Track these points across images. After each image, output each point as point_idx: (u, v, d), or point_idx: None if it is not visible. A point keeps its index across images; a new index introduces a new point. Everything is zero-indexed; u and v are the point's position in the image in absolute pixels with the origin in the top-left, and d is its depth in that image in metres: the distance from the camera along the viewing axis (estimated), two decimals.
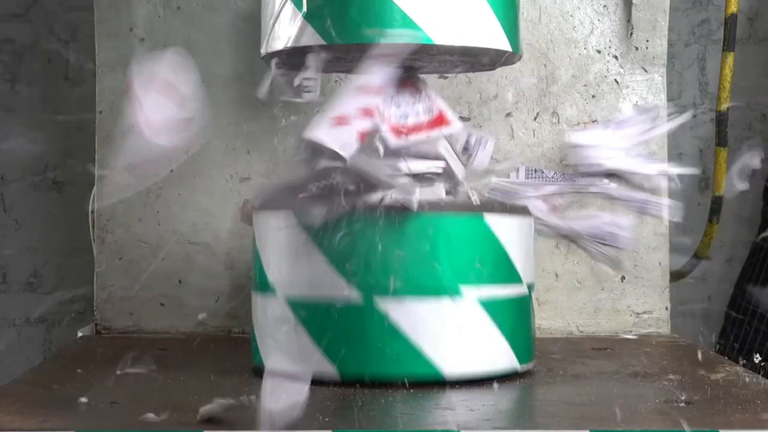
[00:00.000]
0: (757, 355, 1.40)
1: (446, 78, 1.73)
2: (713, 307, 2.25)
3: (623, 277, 1.76)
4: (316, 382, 1.22)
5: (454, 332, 1.30)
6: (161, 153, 1.26)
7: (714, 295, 2.31)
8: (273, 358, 1.31)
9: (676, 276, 1.88)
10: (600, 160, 1.49)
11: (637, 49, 1.77)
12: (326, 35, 1.31)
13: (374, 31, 1.29)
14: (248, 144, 1.74)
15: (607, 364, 1.46)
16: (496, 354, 1.34)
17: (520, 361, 1.36)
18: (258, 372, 1.35)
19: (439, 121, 1.37)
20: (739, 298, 2.22)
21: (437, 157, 1.38)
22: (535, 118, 1.77)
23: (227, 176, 1.75)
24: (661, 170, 1.51)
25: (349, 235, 1.27)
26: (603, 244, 1.49)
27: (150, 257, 1.74)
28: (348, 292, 1.28)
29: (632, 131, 1.51)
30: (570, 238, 1.48)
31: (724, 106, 1.83)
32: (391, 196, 1.28)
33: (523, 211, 1.40)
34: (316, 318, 1.30)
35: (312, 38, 1.31)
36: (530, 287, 1.40)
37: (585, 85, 1.77)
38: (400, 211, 1.28)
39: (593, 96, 1.77)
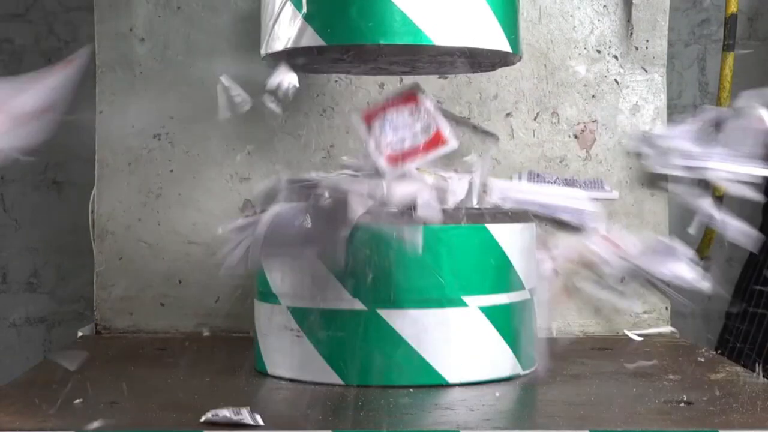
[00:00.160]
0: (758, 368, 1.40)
1: (446, 78, 1.73)
2: (713, 307, 2.25)
3: (623, 278, 1.76)
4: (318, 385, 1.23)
5: (457, 341, 1.31)
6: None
7: (714, 295, 2.30)
8: None
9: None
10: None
11: (637, 49, 1.77)
12: (326, 36, 1.31)
13: (374, 32, 1.29)
14: (248, 144, 1.74)
15: (607, 364, 1.46)
16: (498, 361, 1.34)
17: (523, 367, 1.37)
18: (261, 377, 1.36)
19: (436, 140, 1.37)
20: (739, 298, 2.22)
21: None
22: (535, 118, 1.76)
23: (227, 176, 1.74)
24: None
25: (353, 245, 1.27)
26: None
27: (150, 257, 1.74)
28: (351, 302, 1.28)
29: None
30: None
31: (724, 106, 1.83)
32: (415, 213, 1.28)
33: (524, 216, 1.41)
34: (320, 328, 1.30)
35: (312, 39, 1.31)
36: (532, 291, 1.40)
37: (585, 85, 1.77)
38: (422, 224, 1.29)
39: (593, 96, 1.77)
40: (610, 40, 1.77)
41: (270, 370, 1.36)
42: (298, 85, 1.36)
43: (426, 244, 1.28)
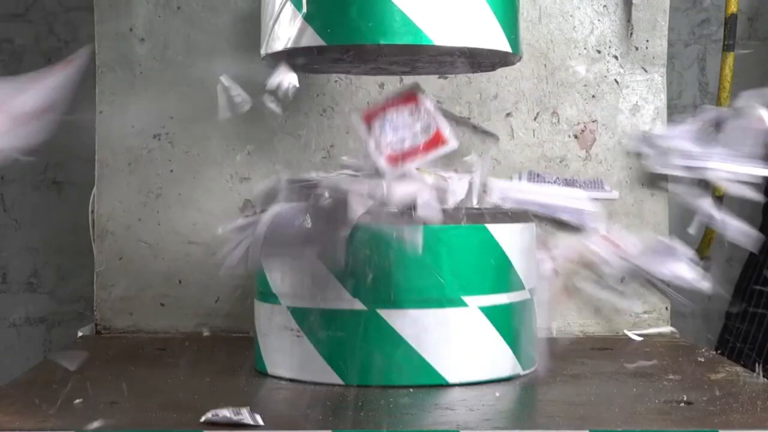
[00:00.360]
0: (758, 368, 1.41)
1: (446, 78, 1.73)
2: (713, 307, 2.25)
3: (623, 278, 1.76)
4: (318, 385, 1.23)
5: (457, 341, 1.31)
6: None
7: (714, 295, 2.30)
8: None
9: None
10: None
11: (637, 49, 1.77)
12: (326, 36, 1.31)
13: (374, 32, 1.29)
14: (248, 144, 1.74)
15: (607, 364, 1.46)
16: (498, 361, 1.34)
17: (523, 367, 1.37)
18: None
19: (436, 140, 1.37)
20: (739, 298, 2.22)
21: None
22: (535, 118, 1.76)
23: (227, 176, 1.74)
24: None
25: (353, 245, 1.27)
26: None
27: (150, 257, 1.74)
28: (351, 302, 1.28)
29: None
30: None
31: (724, 106, 1.83)
32: (415, 213, 1.28)
33: (524, 216, 1.41)
34: (320, 328, 1.30)
35: (312, 39, 1.31)
36: (532, 291, 1.40)
37: (585, 85, 1.77)
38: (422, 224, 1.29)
39: (593, 96, 1.77)
40: (610, 40, 1.77)
41: (270, 370, 1.36)
42: (298, 85, 1.36)
43: (426, 244, 1.28)
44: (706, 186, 2.23)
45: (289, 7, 1.33)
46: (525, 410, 1.29)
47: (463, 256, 1.31)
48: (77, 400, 1.21)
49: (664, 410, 1.18)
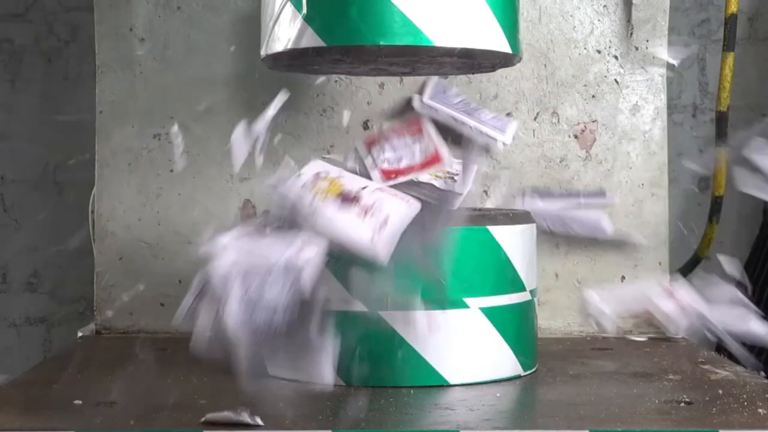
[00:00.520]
0: (762, 373, 1.40)
1: (446, 78, 1.73)
2: None
3: (623, 277, 1.76)
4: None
5: (458, 342, 1.31)
6: None
7: None
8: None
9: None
10: None
11: (637, 49, 1.77)
12: (326, 37, 1.30)
13: (374, 33, 1.29)
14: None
15: (607, 364, 1.46)
16: (499, 362, 1.34)
17: (524, 368, 1.37)
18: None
19: (433, 161, 1.38)
20: None
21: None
22: (535, 118, 1.76)
23: (227, 176, 1.74)
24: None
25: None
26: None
27: (150, 257, 1.74)
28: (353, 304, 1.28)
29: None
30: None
31: (724, 106, 1.83)
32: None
33: (525, 218, 1.41)
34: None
35: (312, 40, 1.31)
36: (533, 292, 1.40)
37: (585, 85, 1.77)
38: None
39: (593, 96, 1.77)
40: (610, 40, 1.77)
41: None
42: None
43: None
44: (706, 186, 2.24)
45: (289, 8, 1.33)
46: (525, 410, 1.29)
47: (465, 257, 1.31)
48: (77, 400, 1.21)
49: (664, 410, 1.18)
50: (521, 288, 1.36)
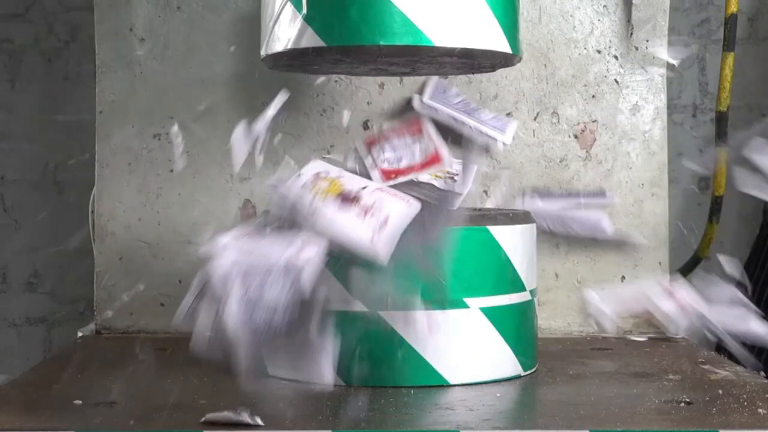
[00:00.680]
0: (762, 373, 1.40)
1: (446, 78, 1.73)
2: None
3: (623, 277, 1.76)
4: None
5: (458, 342, 1.31)
6: None
7: None
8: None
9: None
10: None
11: (637, 49, 1.77)
12: (326, 37, 1.31)
13: (374, 33, 1.29)
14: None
15: (607, 364, 1.46)
16: (499, 362, 1.34)
17: (524, 368, 1.37)
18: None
19: (433, 161, 1.39)
20: None
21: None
22: (535, 118, 1.76)
23: (227, 176, 1.74)
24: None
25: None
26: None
27: (150, 257, 1.74)
28: (353, 304, 1.28)
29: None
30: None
31: (724, 106, 1.83)
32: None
33: (525, 218, 1.41)
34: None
35: (312, 40, 1.31)
36: (533, 292, 1.40)
37: (585, 85, 1.77)
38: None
39: (593, 96, 1.77)
40: (610, 40, 1.77)
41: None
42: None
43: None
44: (706, 186, 2.24)
45: (289, 8, 1.33)
46: (525, 410, 1.29)
47: (464, 257, 1.31)
48: (77, 400, 1.21)
49: (664, 410, 1.18)
50: (521, 288, 1.37)
